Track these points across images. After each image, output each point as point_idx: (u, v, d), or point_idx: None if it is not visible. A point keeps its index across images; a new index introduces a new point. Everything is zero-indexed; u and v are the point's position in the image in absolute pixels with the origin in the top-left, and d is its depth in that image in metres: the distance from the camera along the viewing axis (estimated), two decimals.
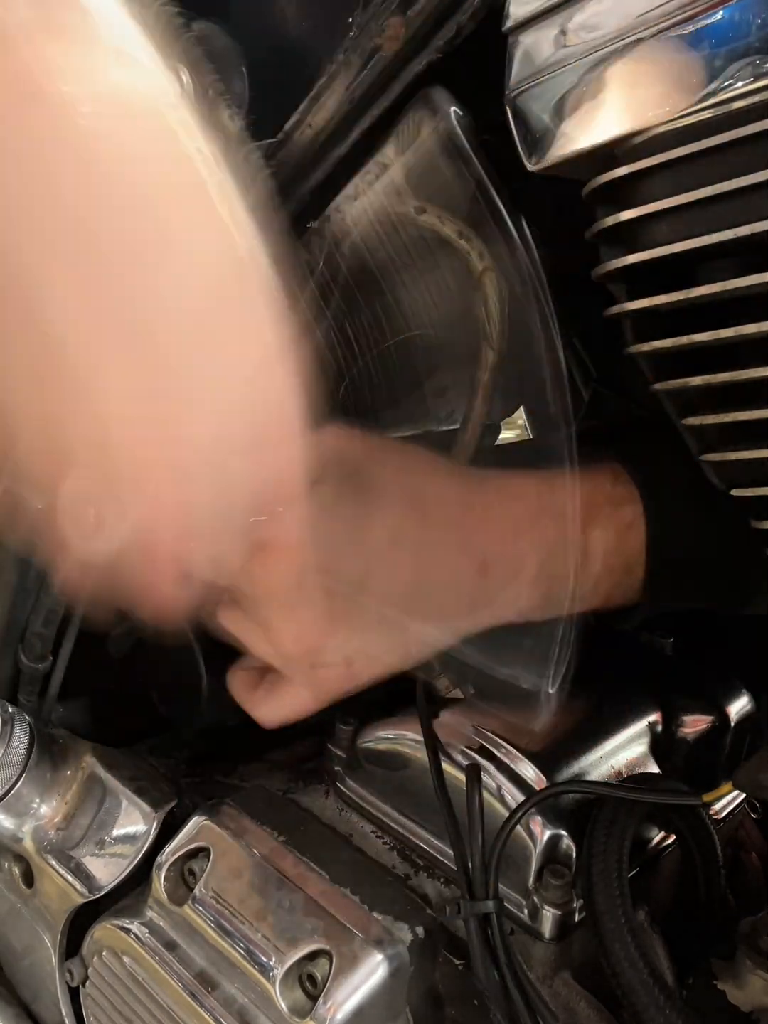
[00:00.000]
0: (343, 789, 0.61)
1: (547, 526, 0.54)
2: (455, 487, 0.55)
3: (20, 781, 0.56)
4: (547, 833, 0.51)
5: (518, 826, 0.50)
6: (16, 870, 0.63)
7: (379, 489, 0.52)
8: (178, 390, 0.32)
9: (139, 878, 0.57)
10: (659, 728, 0.61)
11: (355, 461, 0.53)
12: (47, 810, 0.58)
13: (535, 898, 0.50)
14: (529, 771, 0.53)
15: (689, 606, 0.61)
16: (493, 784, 0.53)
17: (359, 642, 0.52)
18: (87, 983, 0.58)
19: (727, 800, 0.61)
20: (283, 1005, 0.48)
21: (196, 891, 0.53)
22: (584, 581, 0.54)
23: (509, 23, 0.38)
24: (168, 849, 0.56)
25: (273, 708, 0.58)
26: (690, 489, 0.53)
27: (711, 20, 0.33)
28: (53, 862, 0.59)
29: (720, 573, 0.57)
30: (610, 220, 0.39)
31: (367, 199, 0.54)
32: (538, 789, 0.52)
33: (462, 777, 0.53)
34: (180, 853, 0.55)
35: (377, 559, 0.51)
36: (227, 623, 0.55)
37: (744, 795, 0.61)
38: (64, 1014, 0.62)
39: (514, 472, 0.56)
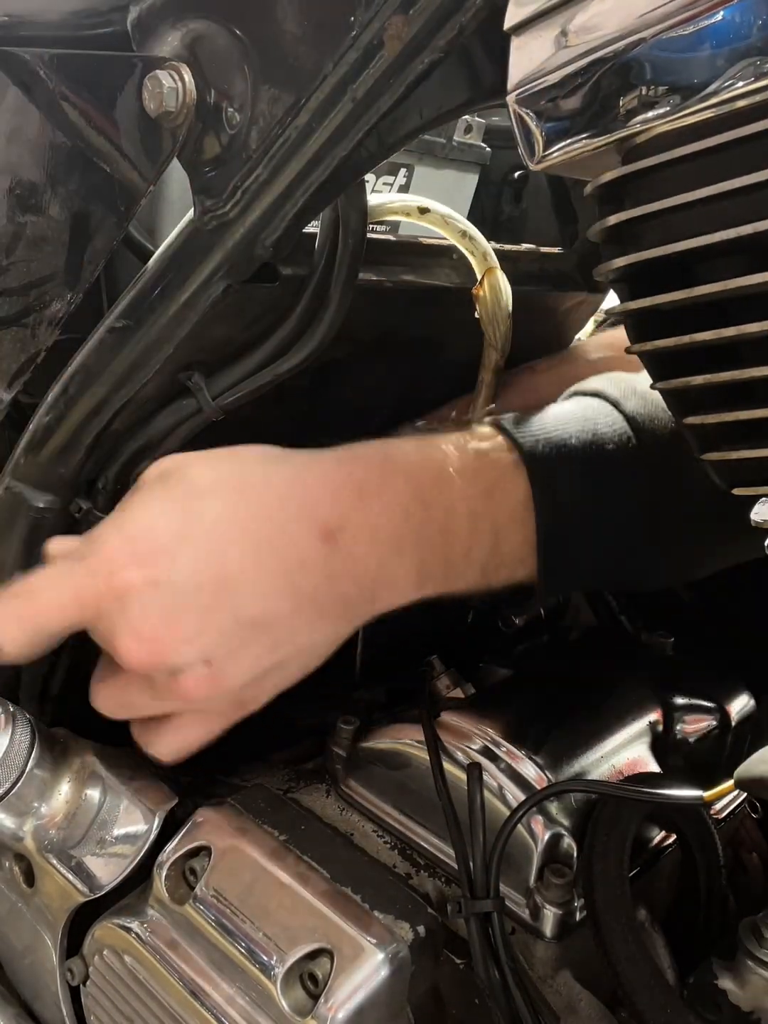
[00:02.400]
0: (344, 788, 0.61)
1: (399, 487, 0.51)
2: (284, 464, 0.51)
3: (21, 780, 0.56)
4: (548, 832, 0.51)
5: (519, 825, 0.50)
6: (17, 869, 0.63)
7: (201, 485, 0.50)
8: None
9: (140, 877, 0.57)
10: (660, 728, 0.61)
11: (177, 470, 0.51)
12: (48, 809, 0.58)
13: (536, 897, 0.50)
14: (530, 770, 0.53)
15: (588, 577, 0.58)
16: (494, 783, 0.53)
17: (213, 636, 0.48)
18: (88, 982, 0.58)
19: (728, 800, 0.61)
20: (284, 1004, 0.48)
21: (197, 890, 0.53)
22: (454, 544, 0.51)
23: (510, 23, 0.38)
24: (169, 848, 0.56)
25: (165, 741, 0.53)
26: (568, 447, 0.52)
27: (712, 21, 0.33)
28: (54, 861, 0.59)
29: (616, 517, 0.53)
30: (612, 219, 0.39)
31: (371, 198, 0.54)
32: (539, 788, 0.52)
33: (463, 776, 0.53)
34: (181, 852, 0.55)
35: (204, 546, 0.48)
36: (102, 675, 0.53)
37: (745, 795, 0.61)
38: (65, 1013, 0.62)
39: (364, 442, 0.53)
